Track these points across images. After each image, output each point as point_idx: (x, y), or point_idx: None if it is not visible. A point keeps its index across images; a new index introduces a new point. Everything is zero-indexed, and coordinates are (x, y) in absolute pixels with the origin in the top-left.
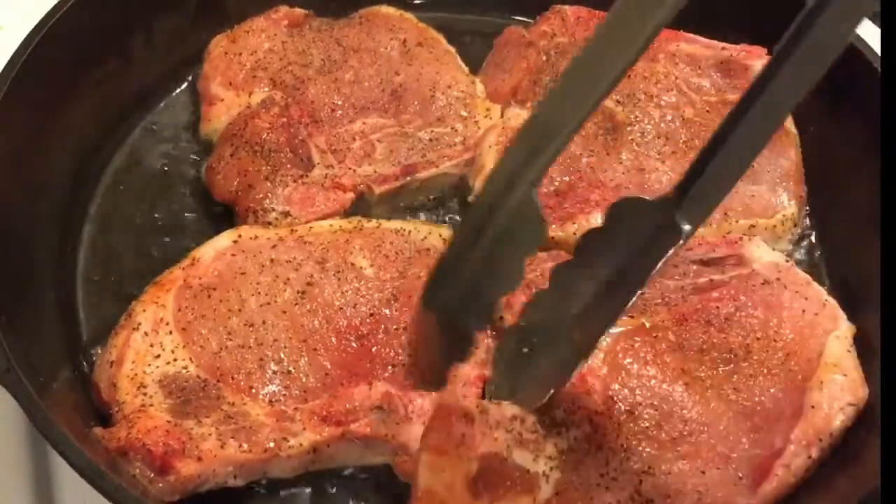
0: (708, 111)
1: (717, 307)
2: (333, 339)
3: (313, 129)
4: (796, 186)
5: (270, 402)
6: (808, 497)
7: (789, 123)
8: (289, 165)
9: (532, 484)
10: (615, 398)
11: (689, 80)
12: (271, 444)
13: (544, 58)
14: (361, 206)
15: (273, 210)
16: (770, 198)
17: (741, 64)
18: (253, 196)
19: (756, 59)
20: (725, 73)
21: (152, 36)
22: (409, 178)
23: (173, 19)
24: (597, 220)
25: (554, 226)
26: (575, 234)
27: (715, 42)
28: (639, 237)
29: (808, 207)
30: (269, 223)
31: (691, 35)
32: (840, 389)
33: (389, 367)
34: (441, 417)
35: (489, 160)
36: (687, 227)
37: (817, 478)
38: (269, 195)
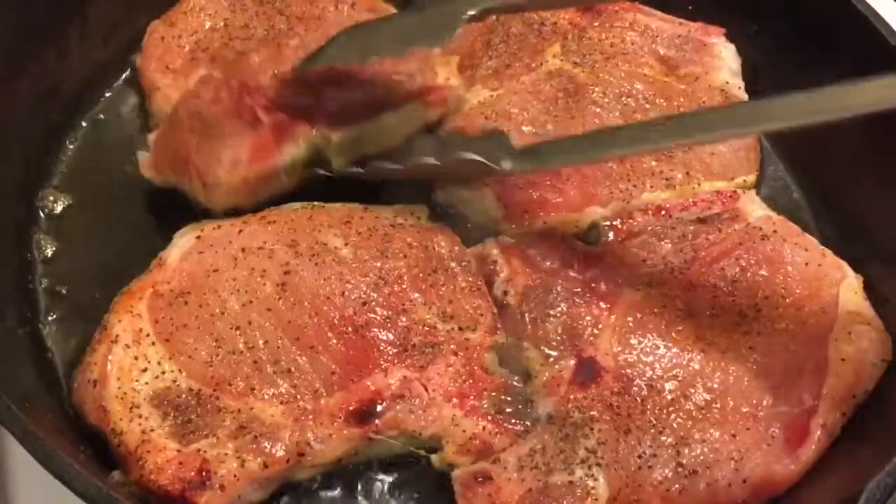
0: (666, 75)
1: (723, 269)
2: (329, 333)
3: (258, 96)
4: (754, 160)
5: (281, 402)
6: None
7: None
8: (234, 134)
9: (584, 491)
10: (631, 375)
11: (644, 47)
12: (294, 453)
13: (494, 18)
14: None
15: (220, 168)
16: (731, 160)
17: (698, 40)
18: (194, 163)
19: (714, 37)
20: (680, 47)
21: (87, 26)
22: (367, 122)
23: (107, 6)
24: (596, 212)
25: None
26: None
27: (672, 17)
28: None
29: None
30: (218, 187)
31: (648, 8)
32: (869, 342)
33: (402, 352)
34: (463, 494)
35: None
36: None
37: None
38: (215, 157)
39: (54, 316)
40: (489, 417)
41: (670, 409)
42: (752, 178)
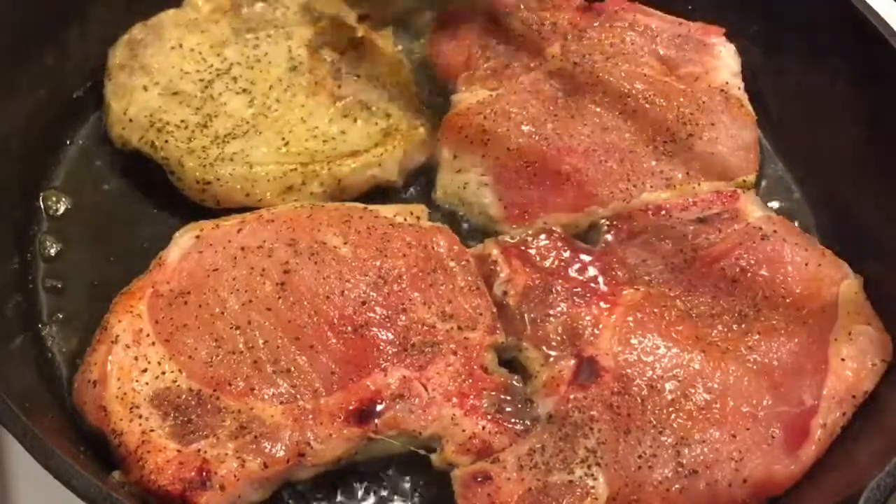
0: (666, 75)
1: (723, 269)
2: (329, 333)
3: None
4: (754, 160)
5: (281, 402)
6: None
7: (747, 102)
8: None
9: (584, 491)
10: (631, 375)
11: (644, 47)
12: (294, 453)
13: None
14: None
15: None
16: (731, 160)
17: (698, 40)
18: None
19: (714, 37)
20: (680, 47)
21: (87, 26)
22: None
23: (107, 6)
24: (596, 212)
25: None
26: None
27: (672, 17)
28: None
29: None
30: None
31: (649, 9)
32: (869, 342)
33: (401, 351)
34: (463, 494)
35: (445, 156)
36: None
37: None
38: None
39: (55, 316)
40: (489, 417)
41: (670, 409)
42: (752, 178)
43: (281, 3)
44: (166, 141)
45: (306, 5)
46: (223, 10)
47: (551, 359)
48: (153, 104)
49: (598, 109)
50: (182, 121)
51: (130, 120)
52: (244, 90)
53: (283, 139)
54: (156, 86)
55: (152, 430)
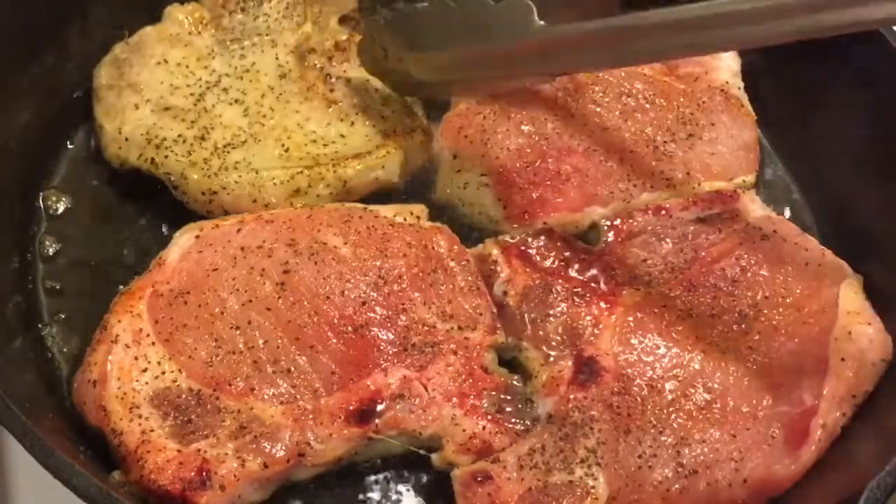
0: (666, 75)
1: (723, 269)
2: (329, 333)
3: None
4: (754, 160)
5: (281, 402)
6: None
7: (747, 102)
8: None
9: (584, 491)
10: (631, 375)
11: None
12: (294, 453)
13: None
14: None
15: None
16: (731, 160)
17: None
18: None
19: None
20: None
21: (87, 26)
22: None
23: (108, 6)
24: (596, 212)
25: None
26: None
27: None
28: None
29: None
30: None
31: None
32: (868, 341)
33: (401, 351)
34: (463, 494)
35: (445, 156)
36: None
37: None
38: None
39: (55, 316)
40: (489, 417)
41: (670, 409)
42: (751, 178)
43: (261, 12)
44: (166, 156)
45: (287, 12)
46: (204, 23)
47: (551, 359)
48: (147, 121)
49: (598, 109)
50: (179, 135)
51: (126, 139)
52: (237, 101)
53: (283, 146)
54: (147, 103)
55: (152, 430)
